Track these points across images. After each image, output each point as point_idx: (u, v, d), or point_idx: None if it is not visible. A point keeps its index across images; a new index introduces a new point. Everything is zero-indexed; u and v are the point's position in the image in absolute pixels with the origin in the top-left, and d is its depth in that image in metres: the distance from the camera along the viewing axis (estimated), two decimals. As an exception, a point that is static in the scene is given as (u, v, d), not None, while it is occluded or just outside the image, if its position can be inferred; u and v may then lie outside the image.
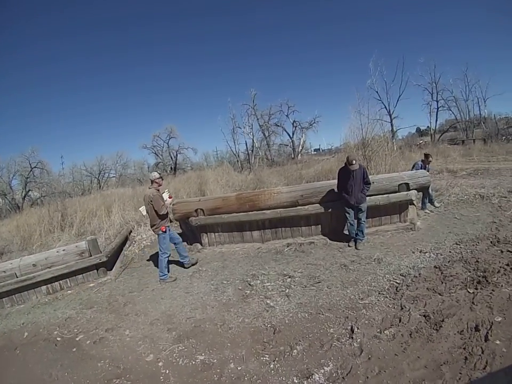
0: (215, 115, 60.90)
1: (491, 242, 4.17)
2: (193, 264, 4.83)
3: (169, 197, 4.73)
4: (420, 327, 2.56)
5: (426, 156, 6.34)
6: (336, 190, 5.01)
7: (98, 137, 56.53)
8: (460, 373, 2.04)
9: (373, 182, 4.91)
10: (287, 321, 2.96)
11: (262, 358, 2.51)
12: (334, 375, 2.20)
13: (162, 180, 4.59)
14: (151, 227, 4.47)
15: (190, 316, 3.32)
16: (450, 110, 26.35)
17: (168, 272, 4.50)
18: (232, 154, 29.45)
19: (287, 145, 32.49)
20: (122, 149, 38.39)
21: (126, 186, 19.79)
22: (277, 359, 2.45)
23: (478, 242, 4.21)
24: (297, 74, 60.96)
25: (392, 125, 22.16)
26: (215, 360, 2.55)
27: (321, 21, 60.59)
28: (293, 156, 29.74)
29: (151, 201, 4.25)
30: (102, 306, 3.89)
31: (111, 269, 5.07)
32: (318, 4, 61.91)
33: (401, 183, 5.07)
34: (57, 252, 4.60)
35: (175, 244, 4.62)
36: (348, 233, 5.04)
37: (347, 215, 4.81)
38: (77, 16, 47.99)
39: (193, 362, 2.57)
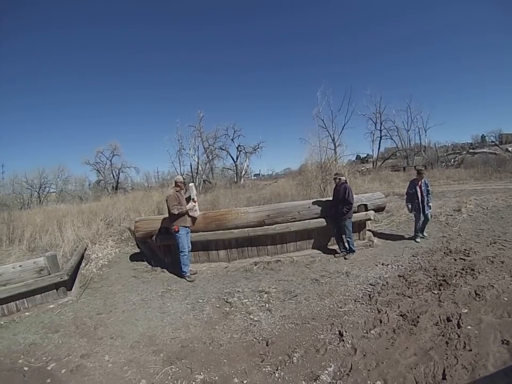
0: (162, 134, 59.78)
1: (444, 253, 4.87)
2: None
3: (194, 201, 5.03)
4: (400, 325, 2.89)
5: (419, 172, 5.77)
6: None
7: (41, 147, 51.89)
8: (446, 354, 2.39)
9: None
10: (276, 333, 3.00)
11: (264, 369, 2.49)
12: (338, 373, 2.32)
13: (185, 185, 5.10)
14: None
15: (174, 336, 3.13)
16: (392, 139, 29.01)
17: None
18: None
19: (230, 169, 32.26)
20: (64, 162, 35.04)
21: (67, 203, 17.94)
22: (279, 368, 2.47)
23: (433, 254, 4.87)
24: (245, 96, 64.07)
25: (335, 152, 23.47)
26: (217, 378, 2.44)
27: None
28: (235, 180, 29.50)
29: (167, 200, 4.70)
30: (70, 330, 3.42)
31: (71, 289, 4.51)
32: (269, 23, 65.96)
33: (360, 204, 5.64)
34: (13, 267, 3.98)
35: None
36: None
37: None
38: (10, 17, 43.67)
39: (194, 383, 2.42)
